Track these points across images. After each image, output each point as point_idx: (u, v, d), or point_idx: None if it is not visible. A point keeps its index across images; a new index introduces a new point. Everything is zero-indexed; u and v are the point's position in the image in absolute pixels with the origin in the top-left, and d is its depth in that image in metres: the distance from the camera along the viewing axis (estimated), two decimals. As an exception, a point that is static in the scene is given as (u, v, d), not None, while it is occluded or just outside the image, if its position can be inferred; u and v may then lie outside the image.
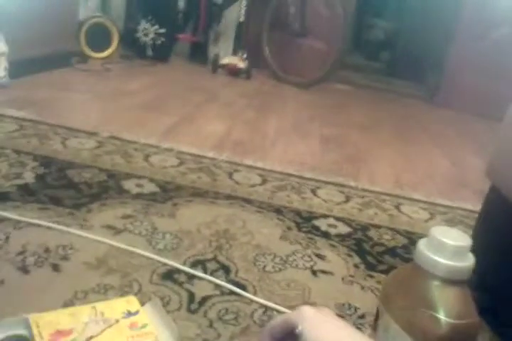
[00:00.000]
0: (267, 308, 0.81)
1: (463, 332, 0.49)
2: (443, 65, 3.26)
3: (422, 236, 1.13)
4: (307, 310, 0.50)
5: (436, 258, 0.48)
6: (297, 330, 0.48)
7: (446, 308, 0.49)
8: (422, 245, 0.50)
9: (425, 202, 1.40)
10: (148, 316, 0.68)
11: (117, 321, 0.66)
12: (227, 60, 2.93)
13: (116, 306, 0.69)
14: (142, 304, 0.72)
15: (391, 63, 4.52)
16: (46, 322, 0.63)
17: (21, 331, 0.62)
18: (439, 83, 3.28)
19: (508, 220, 0.90)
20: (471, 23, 3.06)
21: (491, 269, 0.96)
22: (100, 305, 0.68)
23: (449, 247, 0.48)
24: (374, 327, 0.55)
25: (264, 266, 0.93)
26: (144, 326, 0.66)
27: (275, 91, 2.79)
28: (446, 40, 3.25)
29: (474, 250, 1.05)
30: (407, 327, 0.50)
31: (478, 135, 2.58)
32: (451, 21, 3.23)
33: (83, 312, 0.66)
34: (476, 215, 1.05)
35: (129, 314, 0.67)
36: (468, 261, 0.49)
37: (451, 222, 1.29)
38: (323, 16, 3.01)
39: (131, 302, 0.70)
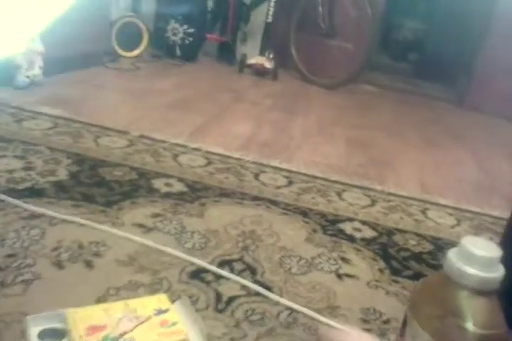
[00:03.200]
0: (292, 310, 0.82)
1: (491, 343, 0.49)
2: (473, 67, 3.21)
3: (447, 241, 1.13)
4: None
5: (466, 268, 0.49)
6: None
7: (475, 318, 0.49)
8: (451, 255, 0.51)
9: (452, 208, 1.39)
10: (178, 314, 0.70)
11: (149, 318, 0.68)
12: (254, 60, 2.95)
13: (148, 303, 0.71)
14: (172, 302, 0.74)
15: (419, 64, 4.47)
16: (81, 316, 0.66)
17: (58, 324, 0.65)
18: (469, 85, 3.23)
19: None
20: (504, 23, 3.01)
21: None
22: (133, 302, 0.70)
23: (479, 258, 0.49)
24: (401, 333, 0.56)
25: (290, 268, 0.94)
26: (174, 323, 0.68)
27: (301, 91, 2.80)
28: (478, 42, 3.20)
29: (503, 259, 1.04)
30: (435, 336, 0.51)
31: (510, 140, 2.53)
32: (482, 22, 3.18)
33: (116, 309, 0.68)
34: (504, 222, 1.04)
35: (160, 311, 0.70)
36: (498, 271, 0.49)
37: (478, 229, 1.28)
38: (352, 17, 3.00)
39: (162, 300, 0.72)
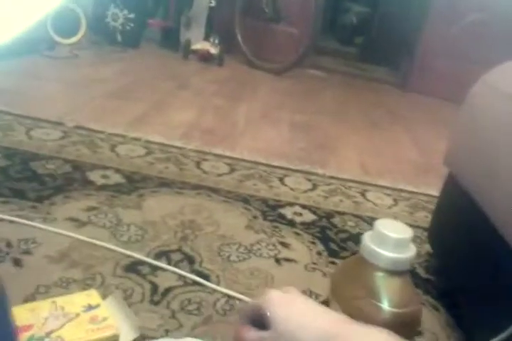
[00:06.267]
0: (229, 297, 0.83)
1: (405, 320, 0.51)
2: (414, 50, 3.29)
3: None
4: (273, 294, 0.51)
5: (380, 250, 0.50)
6: (267, 315, 0.49)
7: (390, 298, 0.51)
8: (366, 238, 0.52)
9: (390, 189, 1.43)
10: (109, 309, 0.69)
11: (78, 315, 0.66)
12: (199, 45, 2.90)
13: (77, 300, 0.69)
14: (104, 297, 0.73)
15: (365, 48, 4.53)
16: (5, 318, 0.63)
17: (-21, 328, 0.62)
18: (411, 68, 3.31)
19: (464, 207, 0.93)
20: (443, 7, 3.09)
21: (449, 254, 1.00)
22: (60, 300, 0.69)
23: (391, 240, 0.50)
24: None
25: (229, 256, 0.95)
26: (104, 319, 0.67)
27: (247, 77, 2.78)
28: (418, 24, 3.28)
29: (434, 235, 1.09)
30: (354, 316, 0.52)
31: (448, 120, 2.62)
32: (424, 6, 3.25)
33: (43, 308, 0.66)
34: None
35: (90, 308, 0.68)
36: (410, 252, 0.51)
37: (414, 208, 1.33)
38: (295, 1, 2.99)
39: (92, 295, 0.71)
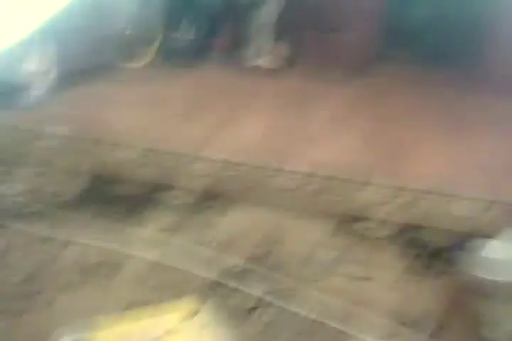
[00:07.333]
0: (311, 319, 0.79)
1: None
2: (484, 51, 3.13)
3: (469, 235, 1.04)
4: None
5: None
6: None
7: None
8: (476, 265, 0.47)
9: (471, 199, 1.32)
10: (192, 332, 0.68)
11: (159, 338, 0.66)
12: (261, 60, 2.92)
13: (160, 323, 0.69)
14: (192, 315, 0.72)
15: (431, 51, 4.38)
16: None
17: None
18: (481, 70, 3.14)
19: None
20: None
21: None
22: (144, 323, 0.69)
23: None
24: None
25: (309, 274, 0.91)
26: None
27: (312, 88, 2.75)
28: (490, 24, 3.12)
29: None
30: None
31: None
32: (490, 5, 3.10)
33: (128, 332, 0.67)
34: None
35: (171, 331, 0.68)
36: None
37: (505, 216, 1.23)
38: (357, 9, 2.95)
39: (174, 318, 0.71)
